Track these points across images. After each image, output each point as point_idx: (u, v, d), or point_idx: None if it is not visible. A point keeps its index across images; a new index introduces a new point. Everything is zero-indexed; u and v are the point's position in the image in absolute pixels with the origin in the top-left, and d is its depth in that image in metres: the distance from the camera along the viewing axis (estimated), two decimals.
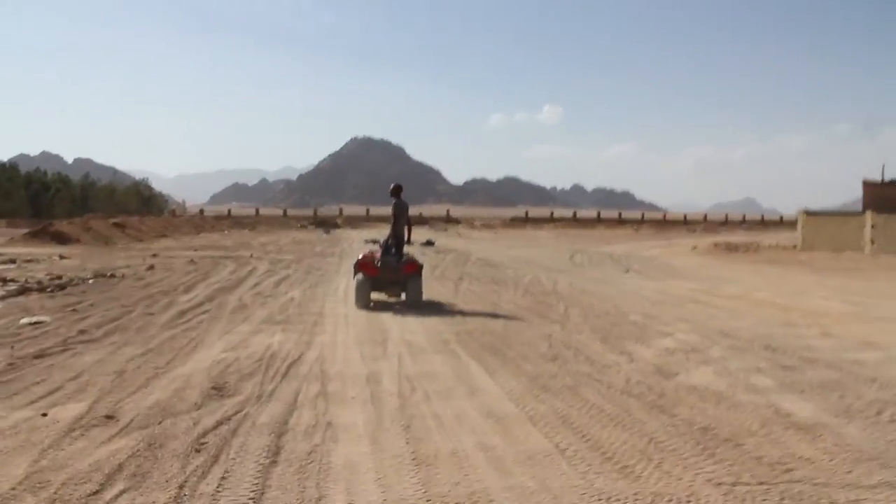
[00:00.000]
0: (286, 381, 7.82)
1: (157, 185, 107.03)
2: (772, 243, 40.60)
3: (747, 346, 10.35)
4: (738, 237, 50.87)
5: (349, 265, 24.17)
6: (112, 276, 18.88)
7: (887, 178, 36.97)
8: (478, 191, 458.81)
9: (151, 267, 21.97)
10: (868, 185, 36.07)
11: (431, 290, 16.86)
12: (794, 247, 37.31)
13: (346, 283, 18.75)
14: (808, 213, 37.06)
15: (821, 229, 35.26)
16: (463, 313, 13.44)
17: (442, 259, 27.99)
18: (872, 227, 32.30)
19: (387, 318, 12.80)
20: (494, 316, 13.06)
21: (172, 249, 32.27)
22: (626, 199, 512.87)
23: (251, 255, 28.24)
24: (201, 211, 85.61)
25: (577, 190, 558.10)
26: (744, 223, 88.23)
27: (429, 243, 38.61)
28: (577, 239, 51.28)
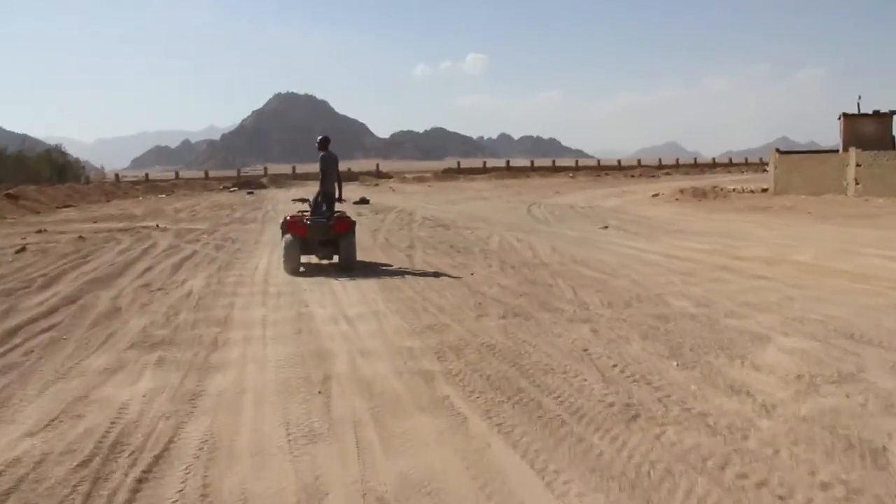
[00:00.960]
0: None
1: (75, 152, 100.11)
2: (737, 188, 37.46)
3: None
4: (694, 182, 47.71)
5: (272, 234, 20.01)
6: None
7: (855, 111, 33.64)
8: (405, 143, 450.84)
9: (22, 249, 17.31)
10: (849, 119, 32.79)
11: (379, 263, 12.93)
12: (765, 190, 34.21)
13: (268, 260, 14.56)
14: (781, 153, 33.87)
15: (794, 170, 32.06)
16: (434, 306, 9.43)
17: (382, 220, 23.79)
18: (858, 165, 29.11)
19: (326, 320, 8.71)
20: (480, 311, 9.08)
21: (69, 223, 27.27)
22: (553, 146, 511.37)
23: (156, 226, 23.60)
24: (116, 176, 79.56)
25: (505, 139, 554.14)
26: (679, 167, 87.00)
27: (363, 201, 34.40)
28: (519, 189, 47.40)
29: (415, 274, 12.41)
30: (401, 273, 12.54)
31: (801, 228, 19.05)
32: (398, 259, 14.46)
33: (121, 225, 24.68)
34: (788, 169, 32.33)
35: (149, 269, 13.54)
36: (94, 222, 26.72)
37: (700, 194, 33.38)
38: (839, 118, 33.99)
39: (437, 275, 12.20)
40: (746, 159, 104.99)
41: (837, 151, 33.51)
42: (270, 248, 16.70)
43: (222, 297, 10.49)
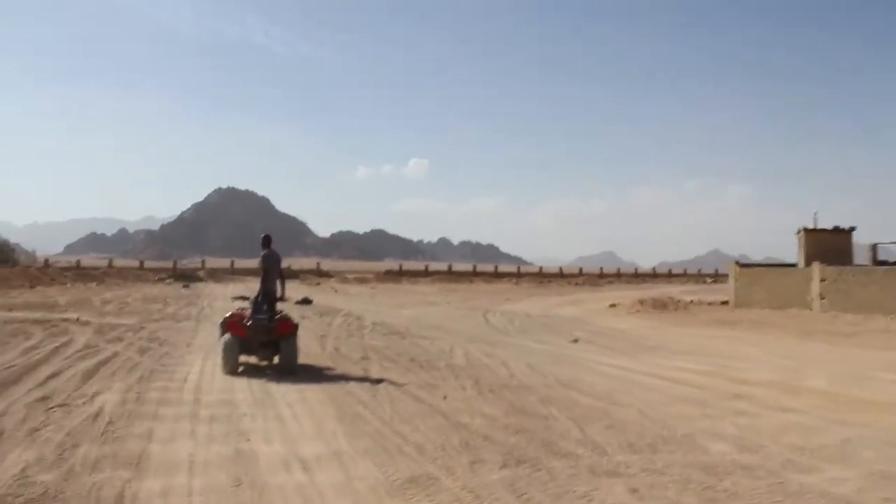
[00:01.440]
0: None
1: (6, 234, 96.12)
2: (693, 299, 36.39)
3: None
4: (640, 292, 46.70)
5: (206, 334, 17.82)
6: None
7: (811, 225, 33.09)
8: (345, 243, 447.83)
9: None
10: (811, 233, 32.13)
11: (329, 380, 11.00)
12: (725, 303, 33.14)
13: (201, 369, 12.45)
14: (741, 266, 32.96)
15: (756, 284, 31.07)
16: (410, 444, 7.43)
17: (328, 324, 21.71)
18: (822, 280, 28.18)
19: (274, 464, 6.62)
20: (471, 455, 7.08)
21: None
22: (491, 251, 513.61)
23: (77, 319, 21.12)
24: (46, 261, 76.16)
25: (444, 243, 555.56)
26: (620, 275, 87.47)
27: (306, 301, 32.25)
28: (466, 295, 45.77)
29: (373, 392, 10.41)
30: (356, 390, 10.51)
31: (789, 348, 17.58)
32: (352, 371, 12.47)
33: (37, 315, 22.16)
34: (750, 282, 31.33)
35: (54, 374, 11.23)
36: (9, 310, 24.14)
37: (660, 306, 32.14)
38: (798, 233, 33.44)
39: (399, 396, 10.21)
40: (685, 270, 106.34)
41: (795, 265, 32.80)
42: (204, 353, 14.52)
43: (140, 419, 8.30)
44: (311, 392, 10.37)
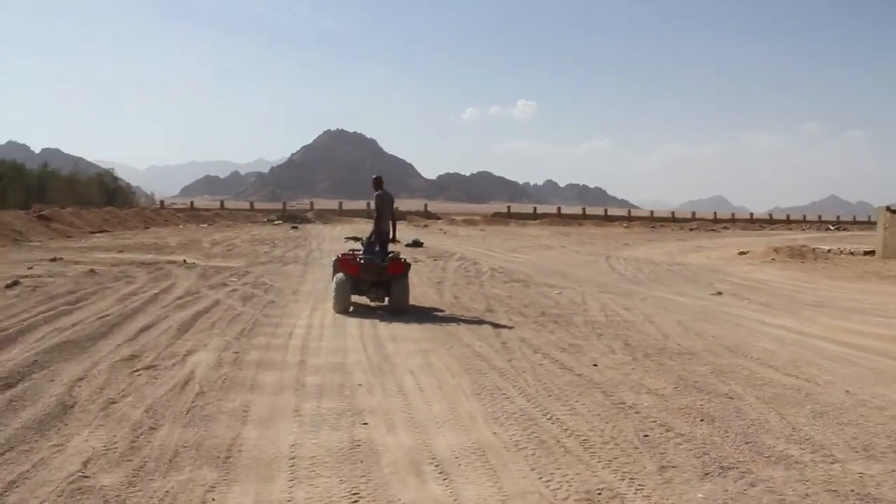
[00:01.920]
0: None
1: (128, 177, 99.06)
2: (832, 249, 33.24)
3: None
4: (771, 239, 43.46)
5: (315, 280, 16.60)
6: None
7: None
8: (451, 185, 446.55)
9: (14, 283, 14.10)
10: None
11: (453, 336, 9.42)
12: (869, 252, 30.02)
13: (308, 321, 11.11)
14: (892, 212, 29.68)
15: None
16: (573, 435, 5.78)
17: (442, 270, 20.17)
18: None
19: (400, 464, 5.04)
20: (658, 458, 5.32)
21: (93, 251, 24.16)
22: (599, 195, 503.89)
23: (183, 261, 20.31)
24: (161, 202, 77.96)
25: (550, 185, 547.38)
26: (735, 221, 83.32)
27: (416, 244, 30.79)
28: (580, 238, 43.50)
29: (508, 356, 8.77)
30: (488, 353, 8.90)
31: None
32: (477, 326, 10.88)
33: (146, 257, 21.49)
34: None
35: (148, 327, 10.03)
36: (120, 252, 23.67)
37: (797, 255, 29.26)
38: None
39: (540, 361, 8.55)
40: (804, 216, 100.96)
41: None
42: (312, 301, 13.22)
43: (235, 390, 6.88)
44: (437, 356, 8.77)
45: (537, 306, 13.34)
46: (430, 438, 5.64)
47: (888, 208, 30.16)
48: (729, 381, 7.73)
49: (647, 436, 5.80)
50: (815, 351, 9.78)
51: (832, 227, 77.12)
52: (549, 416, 6.26)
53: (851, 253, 31.20)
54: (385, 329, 10.68)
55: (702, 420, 6.28)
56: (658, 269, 22.95)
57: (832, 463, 5.30)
